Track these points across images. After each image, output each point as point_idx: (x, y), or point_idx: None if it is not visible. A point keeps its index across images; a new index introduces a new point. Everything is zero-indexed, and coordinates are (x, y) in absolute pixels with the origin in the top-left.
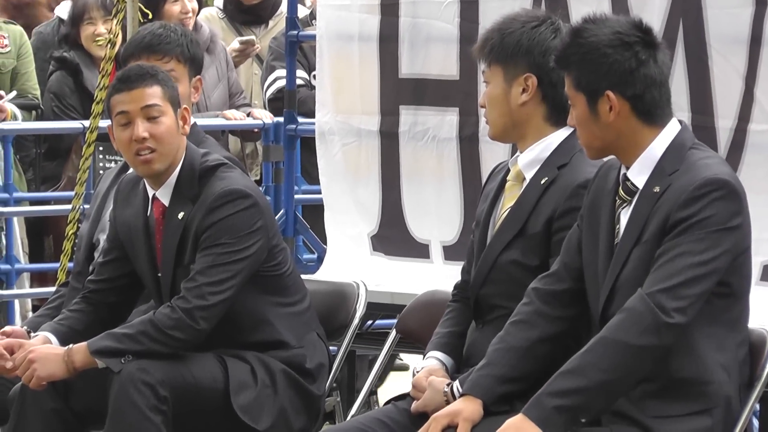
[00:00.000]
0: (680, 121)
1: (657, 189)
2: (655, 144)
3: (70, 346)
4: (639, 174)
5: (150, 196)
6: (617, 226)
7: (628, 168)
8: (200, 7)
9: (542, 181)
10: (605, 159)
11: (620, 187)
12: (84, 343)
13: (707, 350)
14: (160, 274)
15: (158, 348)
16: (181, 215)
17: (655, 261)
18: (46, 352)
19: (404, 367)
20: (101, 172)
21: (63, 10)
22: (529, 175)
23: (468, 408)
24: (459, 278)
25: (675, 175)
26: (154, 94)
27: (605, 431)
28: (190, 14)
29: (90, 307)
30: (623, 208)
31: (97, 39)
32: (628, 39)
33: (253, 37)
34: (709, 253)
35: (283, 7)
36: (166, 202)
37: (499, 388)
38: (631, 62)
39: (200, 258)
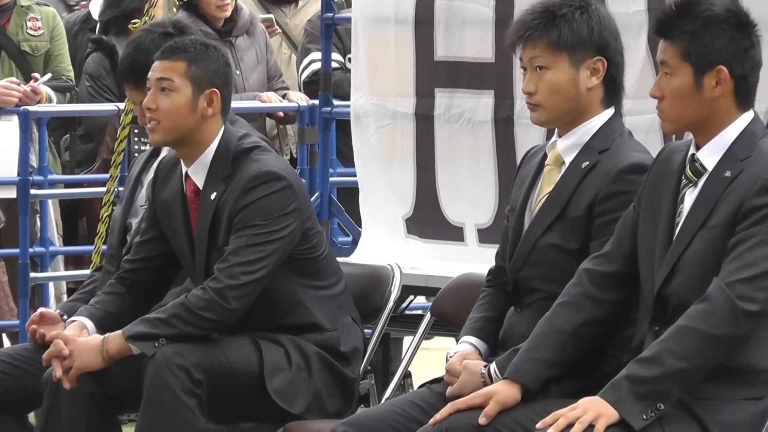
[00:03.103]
0: (753, 111)
1: (728, 174)
2: (730, 128)
3: (107, 335)
4: (710, 155)
5: (183, 174)
6: (680, 206)
7: (698, 148)
8: None
9: (583, 165)
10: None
11: (687, 168)
12: (118, 332)
13: (763, 338)
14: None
15: (191, 330)
16: (213, 196)
17: (730, 250)
18: (83, 344)
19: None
20: (136, 155)
21: (95, 6)
22: (568, 159)
23: (504, 391)
24: (493, 262)
25: (747, 161)
26: (173, 68)
27: None
28: (228, 0)
29: (125, 289)
30: (688, 189)
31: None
32: (743, 19)
33: (271, 16)
34: None
35: None
36: (198, 181)
37: (544, 373)
38: (746, 41)
39: (233, 239)
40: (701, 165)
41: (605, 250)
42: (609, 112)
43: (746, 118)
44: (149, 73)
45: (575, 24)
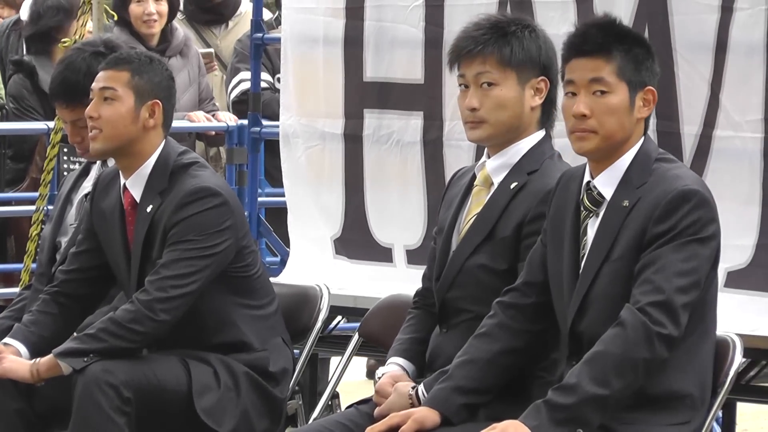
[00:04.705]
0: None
1: (626, 203)
2: (626, 155)
3: (38, 360)
4: (606, 184)
5: (122, 186)
6: (584, 239)
7: (593, 177)
8: (175, 10)
9: (512, 186)
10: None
11: (585, 196)
12: (50, 355)
13: (684, 363)
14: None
15: (120, 343)
16: (149, 209)
17: (637, 275)
18: (15, 358)
19: None
20: (65, 173)
21: (25, 11)
22: (497, 180)
23: (422, 412)
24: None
25: (644, 188)
26: (116, 78)
27: None
28: (155, 16)
29: (57, 308)
30: (590, 219)
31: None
32: (653, 50)
33: (212, 50)
34: (690, 263)
35: (243, 8)
36: (135, 193)
37: (458, 399)
38: (657, 68)
39: (167, 253)
40: (599, 194)
41: (518, 283)
42: (540, 134)
43: (640, 141)
44: (93, 84)
45: (525, 42)
